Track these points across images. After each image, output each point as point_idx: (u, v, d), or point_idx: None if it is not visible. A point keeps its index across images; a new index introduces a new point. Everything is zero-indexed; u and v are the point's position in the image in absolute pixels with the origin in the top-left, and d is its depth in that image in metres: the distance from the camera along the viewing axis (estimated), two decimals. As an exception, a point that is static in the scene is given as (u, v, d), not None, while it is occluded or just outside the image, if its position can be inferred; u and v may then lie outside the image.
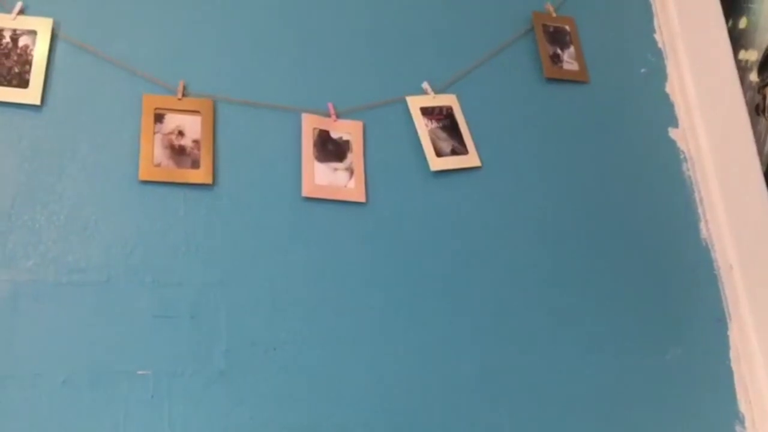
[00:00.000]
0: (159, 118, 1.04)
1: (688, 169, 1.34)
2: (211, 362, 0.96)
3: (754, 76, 1.85)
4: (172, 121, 1.05)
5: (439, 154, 1.16)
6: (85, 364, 0.91)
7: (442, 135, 1.18)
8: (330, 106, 1.14)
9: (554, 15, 1.35)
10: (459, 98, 1.22)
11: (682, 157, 1.35)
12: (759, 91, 1.81)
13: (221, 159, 1.06)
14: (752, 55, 1.85)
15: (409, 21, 1.26)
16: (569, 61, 1.33)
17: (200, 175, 1.03)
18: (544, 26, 1.33)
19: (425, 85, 1.21)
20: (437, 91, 1.21)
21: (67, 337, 0.92)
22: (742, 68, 1.45)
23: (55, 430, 0.88)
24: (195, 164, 1.03)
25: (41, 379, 0.89)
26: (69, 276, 0.94)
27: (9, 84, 0.99)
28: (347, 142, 1.13)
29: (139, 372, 0.93)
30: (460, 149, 1.19)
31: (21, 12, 1.03)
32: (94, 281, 0.95)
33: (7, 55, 1.00)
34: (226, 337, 0.98)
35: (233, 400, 0.95)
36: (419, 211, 1.14)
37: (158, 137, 1.03)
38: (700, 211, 1.32)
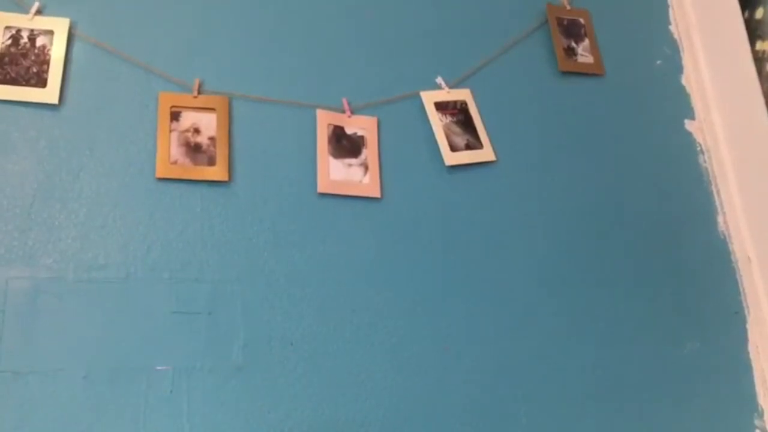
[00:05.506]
0: (175, 115, 1.05)
1: (704, 162, 1.33)
2: (229, 357, 0.97)
3: (771, 67, 1.83)
4: (188, 118, 1.05)
5: (453, 148, 1.16)
6: (105, 360, 0.92)
7: (457, 129, 1.18)
8: (344, 101, 1.14)
9: (568, 7, 1.35)
10: (473, 92, 1.22)
11: (698, 149, 1.34)
12: (776, 82, 1.79)
13: (237, 156, 1.07)
14: (769, 46, 1.83)
15: (423, 15, 1.25)
16: (584, 54, 1.32)
17: (216, 172, 1.04)
18: (558, 19, 1.32)
19: (439, 79, 1.21)
20: (451, 85, 1.21)
21: (88, 334, 0.93)
22: (759, 59, 1.44)
23: (76, 425, 0.89)
24: (211, 161, 1.04)
25: (62, 375, 0.90)
26: (88, 273, 0.95)
27: (27, 83, 1.00)
28: (362, 137, 1.13)
29: (158, 368, 0.94)
30: (474, 144, 1.18)
31: (38, 12, 1.04)
32: (113, 278, 0.96)
33: (25, 55, 1.01)
34: (244, 332, 0.98)
35: (251, 395, 0.96)
36: (434, 206, 1.14)
37: (174, 135, 1.04)
38: (717, 203, 1.31)
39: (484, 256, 1.13)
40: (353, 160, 1.11)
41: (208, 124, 1.06)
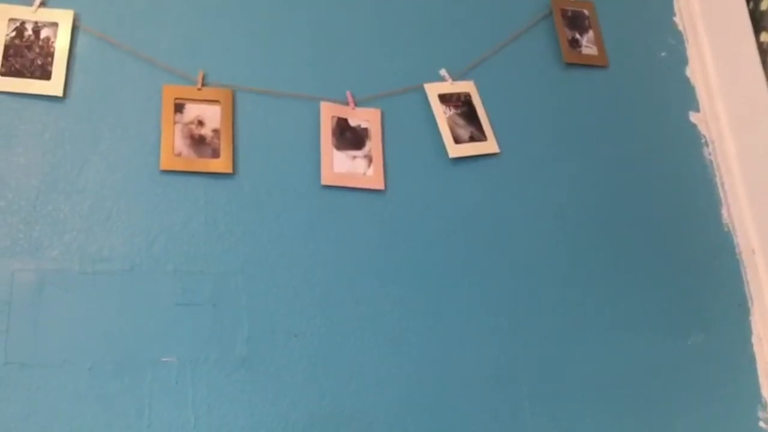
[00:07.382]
0: (179, 108, 1.05)
1: (709, 154, 1.33)
2: (233, 349, 0.97)
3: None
4: (192, 111, 1.05)
5: (457, 140, 1.16)
6: (110, 351, 0.92)
7: (461, 122, 1.18)
8: (348, 94, 1.14)
9: (573, -1, 1.34)
10: (477, 85, 1.22)
11: (703, 141, 1.34)
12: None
13: (241, 148, 1.07)
14: (774, 37, 1.82)
15: (427, 8, 1.25)
16: (588, 46, 1.31)
17: (220, 165, 1.04)
18: (563, 10, 1.32)
19: (443, 72, 1.21)
20: (455, 77, 1.21)
21: (93, 326, 0.93)
22: (763, 50, 1.43)
23: (82, 417, 0.89)
24: (215, 153, 1.04)
25: (68, 367, 0.91)
26: (93, 265, 0.95)
27: (32, 76, 1.00)
28: (366, 129, 1.13)
29: (163, 359, 0.94)
30: (478, 136, 1.18)
31: (42, 4, 1.04)
32: (118, 270, 0.96)
33: (30, 48, 1.01)
34: (248, 324, 0.99)
35: (255, 387, 0.97)
36: (438, 198, 1.14)
37: (178, 127, 1.04)
38: (721, 195, 1.30)
39: (487, 248, 1.13)
40: (357, 153, 1.11)
41: (212, 116, 1.06)
